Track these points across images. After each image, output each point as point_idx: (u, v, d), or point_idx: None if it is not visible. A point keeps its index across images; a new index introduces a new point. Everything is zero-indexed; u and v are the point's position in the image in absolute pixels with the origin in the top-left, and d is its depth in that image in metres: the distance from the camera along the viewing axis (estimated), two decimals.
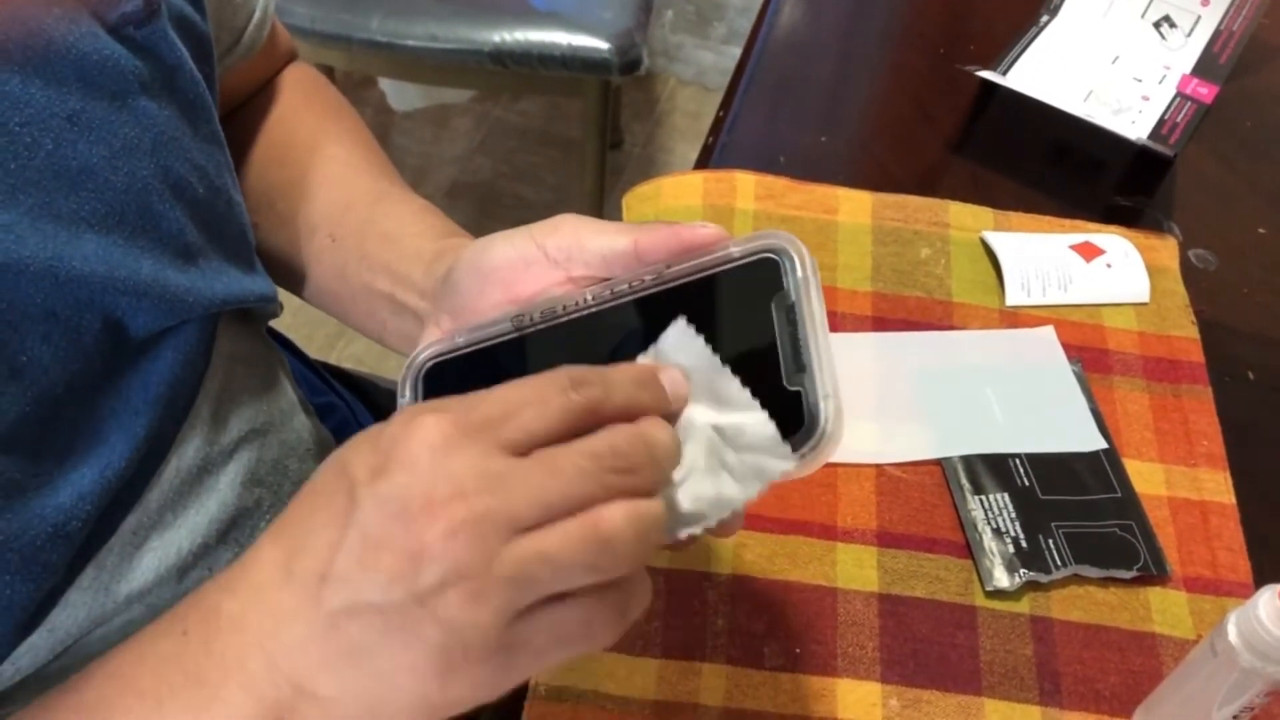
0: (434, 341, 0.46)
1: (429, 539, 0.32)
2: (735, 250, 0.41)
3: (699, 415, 0.38)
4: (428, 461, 0.33)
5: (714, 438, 0.38)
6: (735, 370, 0.38)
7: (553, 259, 0.44)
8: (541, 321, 0.43)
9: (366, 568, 0.33)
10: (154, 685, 0.36)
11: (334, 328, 1.76)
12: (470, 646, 0.33)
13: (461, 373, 0.45)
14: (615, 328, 0.42)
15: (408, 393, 0.45)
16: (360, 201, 0.58)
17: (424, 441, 0.33)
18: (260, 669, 0.34)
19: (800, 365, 0.38)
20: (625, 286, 0.42)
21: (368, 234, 0.56)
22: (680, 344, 0.39)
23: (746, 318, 0.40)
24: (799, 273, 0.39)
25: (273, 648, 0.34)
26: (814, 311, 0.39)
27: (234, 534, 0.52)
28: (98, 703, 0.37)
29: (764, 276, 0.40)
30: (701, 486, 0.37)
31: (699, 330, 0.39)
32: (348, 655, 0.33)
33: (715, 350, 0.39)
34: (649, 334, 0.40)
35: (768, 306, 0.39)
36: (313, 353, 0.78)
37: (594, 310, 0.42)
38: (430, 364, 0.45)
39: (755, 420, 0.37)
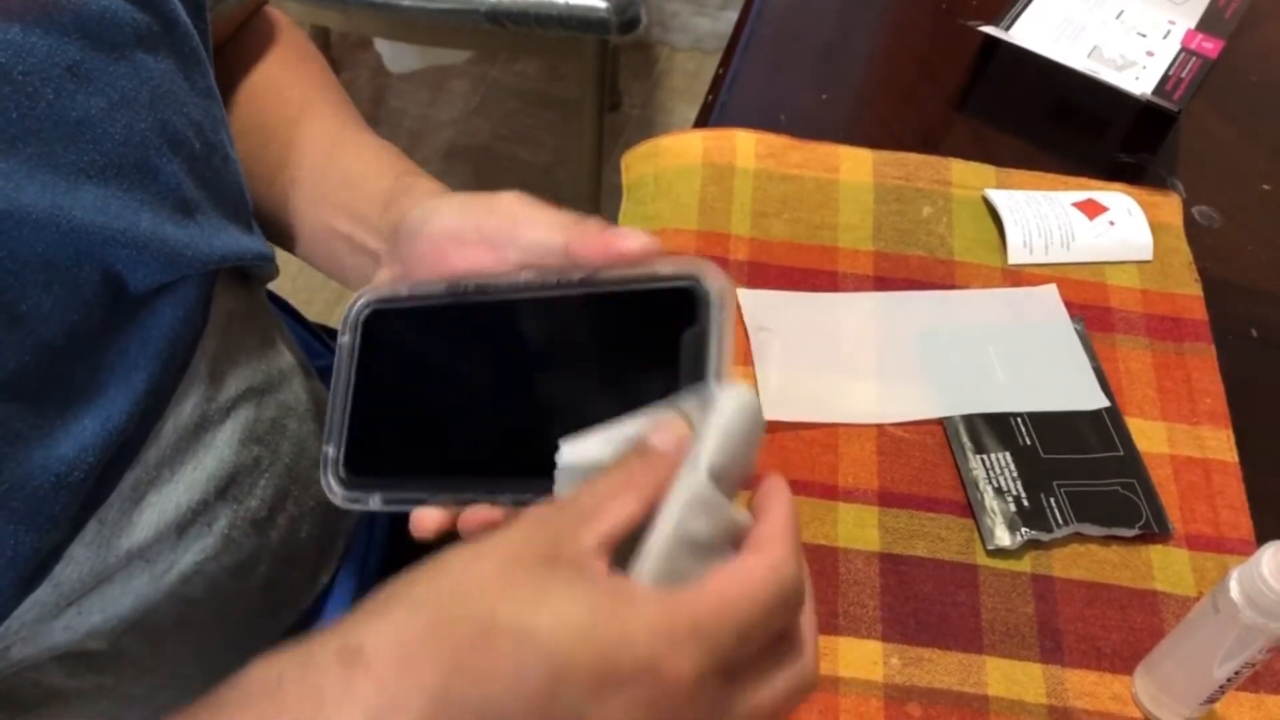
0: (377, 287, 0.47)
1: None
2: (662, 271, 0.40)
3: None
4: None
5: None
6: (634, 401, 0.39)
7: (487, 241, 0.45)
8: (475, 294, 0.44)
9: None
10: None
11: (333, 293, 1.75)
12: None
13: (397, 324, 0.46)
14: (540, 320, 0.43)
15: (346, 334, 0.46)
16: (319, 142, 0.58)
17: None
18: None
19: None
20: (555, 280, 0.42)
21: (327, 175, 0.56)
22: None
23: (658, 345, 0.40)
24: (716, 313, 0.38)
25: None
26: (723, 354, 0.38)
27: (232, 491, 0.52)
28: None
29: (684, 306, 0.39)
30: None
31: (609, 346, 0.41)
32: None
33: (617, 372, 0.41)
34: (571, 335, 0.42)
35: (679, 339, 0.39)
36: (312, 316, 0.78)
37: (522, 298, 0.43)
38: (370, 310, 0.46)
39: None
